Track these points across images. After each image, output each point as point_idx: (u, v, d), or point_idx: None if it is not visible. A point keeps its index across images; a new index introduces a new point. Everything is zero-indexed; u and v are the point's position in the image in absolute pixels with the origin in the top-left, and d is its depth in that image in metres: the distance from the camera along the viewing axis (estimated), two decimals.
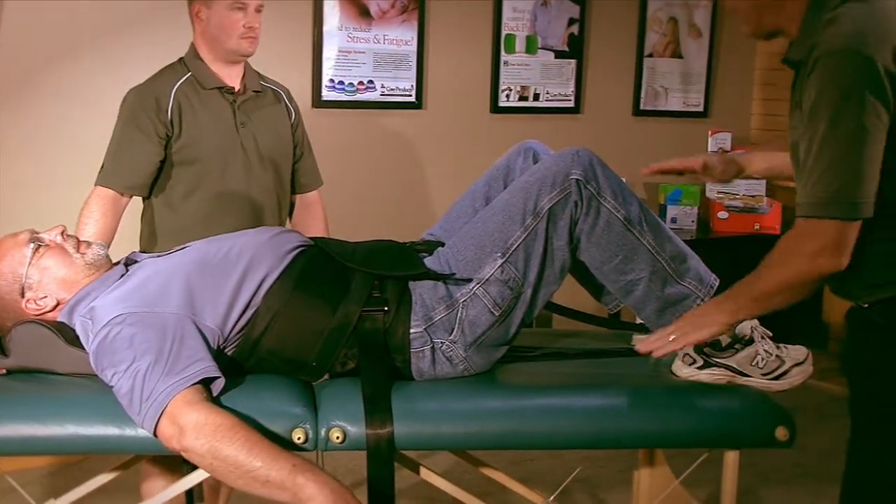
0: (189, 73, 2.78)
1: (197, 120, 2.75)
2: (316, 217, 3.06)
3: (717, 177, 2.39)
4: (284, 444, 1.89)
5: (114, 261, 2.22)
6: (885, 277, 1.87)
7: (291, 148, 2.95)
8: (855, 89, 1.72)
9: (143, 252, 2.31)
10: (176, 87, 2.75)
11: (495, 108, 4.64)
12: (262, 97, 2.90)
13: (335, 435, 1.92)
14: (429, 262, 2.17)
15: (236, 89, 2.82)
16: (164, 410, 1.80)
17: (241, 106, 2.81)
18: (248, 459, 1.74)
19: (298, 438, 1.91)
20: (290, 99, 2.99)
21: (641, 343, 2.04)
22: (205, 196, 2.77)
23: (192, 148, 2.75)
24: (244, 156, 2.79)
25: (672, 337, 2.00)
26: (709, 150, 4.83)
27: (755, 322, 2.15)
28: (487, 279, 2.09)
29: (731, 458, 2.11)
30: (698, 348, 2.13)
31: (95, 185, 2.75)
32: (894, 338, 1.88)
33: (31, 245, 2.12)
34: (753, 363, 2.12)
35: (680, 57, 4.99)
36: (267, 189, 2.85)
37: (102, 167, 2.76)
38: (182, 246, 2.23)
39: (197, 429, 1.77)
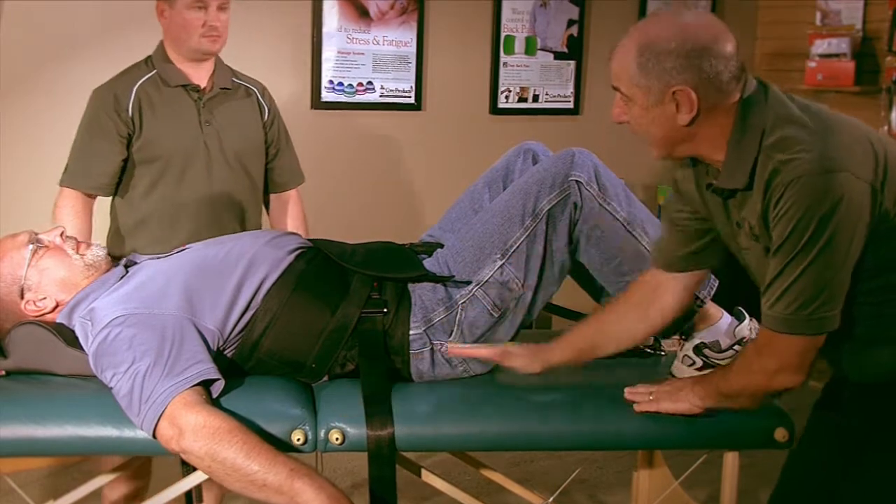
0: (154, 72, 2.75)
1: (158, 118, 2.72)
2: (293, 216, 3.01)
3: (520, 368, 2.07)
4: (284, 445, 1.90)
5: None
6: None
7: (263, 146, 2.90)
8: (834, 211, 1.61)
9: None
10: (138, 85, 2.72)
11: (494, 110, 4.64)
12: (232, 95, 2.84)
13: (335, 436, 1.92)
14: (428, 263, 2.17)
15: (202, 87, 2.77)
16: (163, 412, 1.80)
17: (207, 104, 2.77)
18: (245, 463, 1.74)
19: (298, 440, 1.91)
20: (264, 96, 2.93)
21: (629, 390, 2.03)
22: (164, 194, 2.73)
23: (153, 146, 2.71)
24: (207, 154, 2.74)
25: (650, 397, 2.00)
26: None
27: (754, 324, 2.16)
28: (487, 281, 2.09)
29: (731, 459, 2.11)
30: (698, 349, 2.13)
31: (61, 185, 2.73)
32: None
33: (31, 246, 2.12)
34: None
35: None
36: (231, 188, 2.80)
37: (67, 168, 2.74)
38: (182, 248, 2.23)
39: (195, 431, 1.77)
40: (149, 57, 2.80)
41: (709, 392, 1.91)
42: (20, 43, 3.67)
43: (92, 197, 2.75)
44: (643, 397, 2.00)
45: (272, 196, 3.01)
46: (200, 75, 2.78)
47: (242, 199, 2.84)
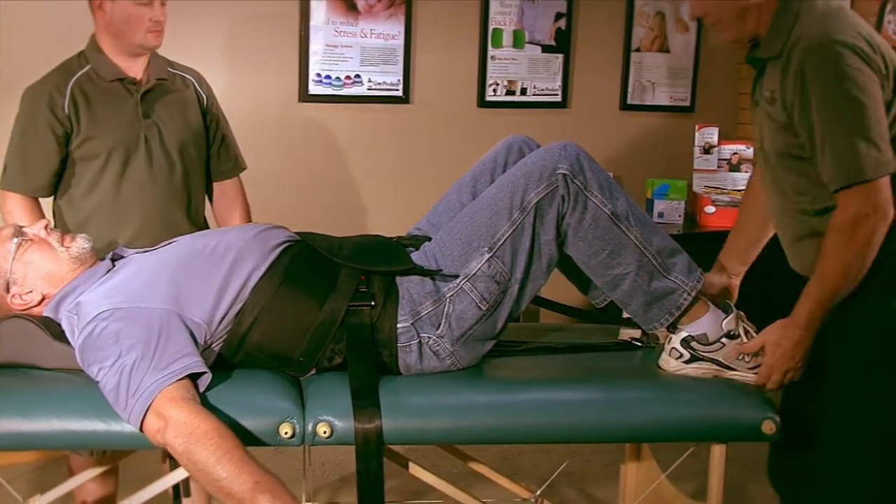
0: (88, 67, 2.70)
1: (96, 115, 2.67)
2: (234, 205, 3.00)
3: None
4: (272, 439, 1.90)
5: None
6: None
7: (203, 136, 2.87)
8: (854, 71, 1.92)
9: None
10: (72, 81, 2.67)
11: (482, 103, 4.63)
12: (169, 85, 2.81)
13: (322, 430, 1.92)
14: (416, 256, 2.17)
15: (139, 80, 2.74)
16: (150, 405, 1.80)
17: (145, 97, 2.73)
18: (215, 468, 1.74)
19: (286, 433, 1.91)
20: (201, 84, 2.90)
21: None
22: (106, 191, 2.70)
23: (92, 143, 2.67)
24: (147, 148, 2.71)
25: (777, 382, 2.12)
26: (695, 144, 4.83)
27: (742, 316, 2.17)
28: (474, 274, 2.09)
29: (718, 451, 2.12)
30: (685, 342, 2.14)
31: (1, 189, 2.70)
32: None
33: (15, 240, 2.12)
34: (740, 357, 2.13)
35: (667, 51, 4.99)
36: (174, 180, 2.77)
37: (5, 170, 2.70)
38: (169, 241, 2.22)
39: (177, 427, 1.77)
40: (81, 52, 2.75)
41: (823, 304, 2.03)
42: (19, 43, 3.65)
43: (35, 199, 2.72)
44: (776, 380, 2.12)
45: (215, 185, 2.99)
46: (136, 68, 2.74)
47: (186, 190, 2.81)
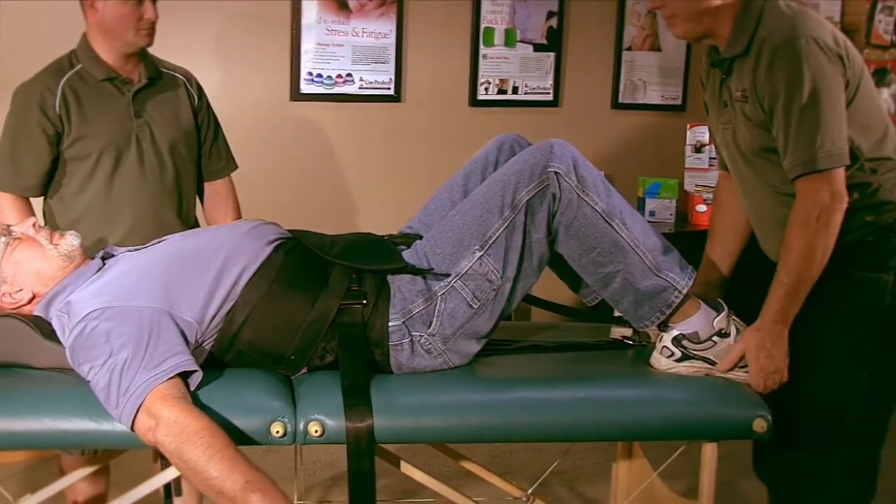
0: (79, 66, 2.69)
1: (87, 114, 2.66)
2: (225, 205, 2.99)
3: None
4: (263, 437, 1.90)
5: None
6: None
7: (195, 135, 2.86)
8: (816, 65, 2.00)
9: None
10: (63, 81, 2.66)
11: (474, 102, 4.63)
12: (161, 85, 2.80)
13: (314, 429, 1.92)
14: (407, 255, 2.17)
15: (131, 79, 2.73)
16: (141, 404, 1.80)
17: (137, 96, 2.72)
18: (206, 467, 1.74)
19: (277, 432, 1.90)
20: (193, 84, 2.90)
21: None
22: (97, 190, 2.69)
23: (84, 143, 2.66)
24: (138, 147, 2.70)
25: (775, 383, 2.12)
26: (687, 143, 4.84)
27: (732, 314, 2.17)
28: (466, 272, 2.09)
29: (709, 449, 2.12)
30: (676, 340, 2.14)
31: None
32: None
33: (3, 239, 2.11)
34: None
35: (658, 50, 4.99)
36: (166, 179, 2.76)
37: None
38: (160, 239, 2.22)
39: (168, 426, 1.77)
40: (73, 51, 2.74)
41: (793, 299, 2.08)
42: (19, 43, 3.64)
43: (26, 198, 2.72)
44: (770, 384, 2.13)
45: (206, 185, 2.98)
46: (128, 68, 2.73)
47: (177, 189, 2.81)
